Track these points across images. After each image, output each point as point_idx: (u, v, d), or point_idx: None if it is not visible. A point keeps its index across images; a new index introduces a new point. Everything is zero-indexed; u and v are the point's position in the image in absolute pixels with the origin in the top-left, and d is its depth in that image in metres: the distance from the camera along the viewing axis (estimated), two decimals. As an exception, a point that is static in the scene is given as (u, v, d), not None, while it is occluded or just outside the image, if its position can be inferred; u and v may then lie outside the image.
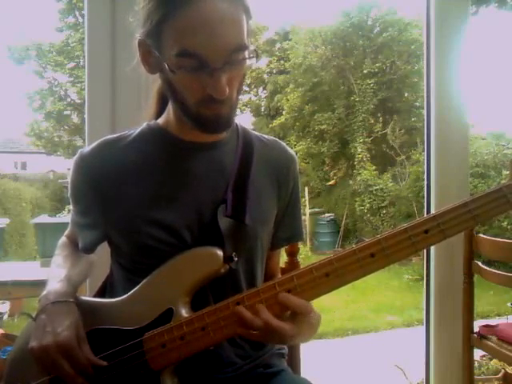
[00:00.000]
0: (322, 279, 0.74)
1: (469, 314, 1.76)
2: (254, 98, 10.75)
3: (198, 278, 0.81)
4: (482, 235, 1.74)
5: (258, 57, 0.79)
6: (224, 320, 0.75)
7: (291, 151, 1.00)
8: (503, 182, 0.72)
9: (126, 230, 0.86)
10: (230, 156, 0.91)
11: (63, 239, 1.02)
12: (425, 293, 1.93)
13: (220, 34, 0.73)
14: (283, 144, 1.00)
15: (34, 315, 0.81)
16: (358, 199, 7.91)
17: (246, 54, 0.78)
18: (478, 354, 2.32)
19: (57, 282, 0.84)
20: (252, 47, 0.78)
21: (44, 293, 0.82)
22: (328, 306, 4.45)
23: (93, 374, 0.76)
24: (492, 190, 0.72)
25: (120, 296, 0.85)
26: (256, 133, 0.99)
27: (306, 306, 0.75)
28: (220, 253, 0.81)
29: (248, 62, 0.78)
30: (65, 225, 1.03)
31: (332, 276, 0.74)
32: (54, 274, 0.88)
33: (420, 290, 4.34)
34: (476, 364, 2.48)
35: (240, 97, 0.83)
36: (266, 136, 1.00)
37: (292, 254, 1.18)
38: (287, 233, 1.00)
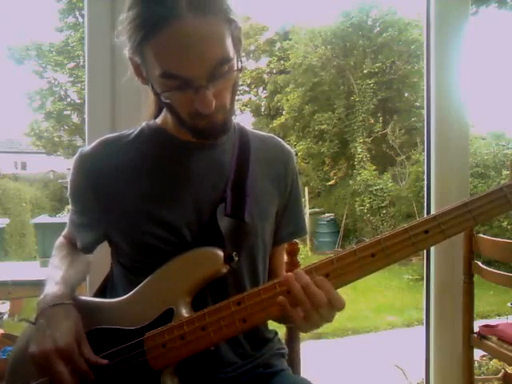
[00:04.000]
0: (322, 279, 0.74)
1: (469, 314, 1.76)
2: (253, 98, 10.74)
3: (198, 279, 0.81)
4: (481, 235, 1.74)
5: (241, 69, 0.79)
6: (224, 320, 0.75)
7: (288, 147, 1.00)
8: (503, 182, 0.72)
9: (126, 229, 0.86)
10: (228, 155, 0.91)
11: (60, 239, 1.02)
12: (425, 293, 1.93)
13: (199, 53, 0.72)
14: (280, 140, 1.00)
15: (33, 318, 0.81)
16: (357, 199, 7.91)
17: (233, 63, 0.77)
18: (478, 354, 2.32)
19: (54, 284, 0.84)
20: (237, 55, 0.78)
21: (42, 296, 0.82)
22: (328, 306, 4.42)
23: (93, 379, 0.76)
24: (492, 190, 0.72)
25: (120, 295, 0.85)
26: (253, 130, 0.99)
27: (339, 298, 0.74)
28: (220, 253, 0.81)
29: (234, 72, 0.78)
30: (65, 225, 1.02)
31: (332, 276, 0.74)
32: (52, 275, 0.87)
33: (420, 290, 4.34)
34: (476, 364, 2.48)
35: (240, 97, 0.83)
36: (263, 133, 1.00)
37: (292, 254, 1.18)
38: (289, 228, 1.00)
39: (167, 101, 0.79)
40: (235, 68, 0.78)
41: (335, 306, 0.73)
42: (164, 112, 0.91)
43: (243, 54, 0.80)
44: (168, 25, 0.70)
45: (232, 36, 0.77)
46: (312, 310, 0.72)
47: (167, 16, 0.70)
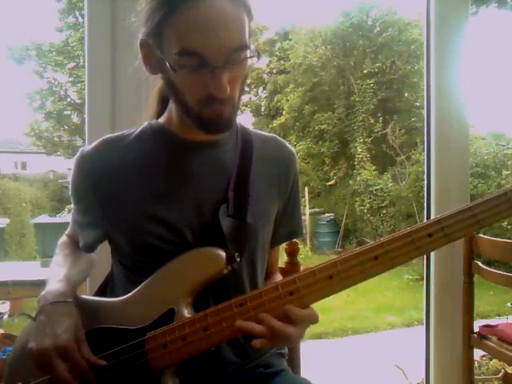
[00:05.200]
0: (325, 281, 0.74)
1: (469, 314, 1.76)
2: (254, 98, 10.75)
3: (200, 279, 0.81)
4: (482, 235, 1.74)
5: (258, 56, 0.79)
6: (226, 321, 0.75)
7: (290, 148, 1.00)
8: (503, 182, 0.71)
9: (127, 229, 0.86)
10: (231, 155, 0.91)
11: (64, 238, 1.02)
12: (425, 293, 1.93)
13: (221, 33, 0.73)
14: (282, 141, 1.00)
15: (33, 315, 0.81)
16: (357, 199, 7.91)
17: (248, 53, 0.78)
18: (478, 354, 2.32)
19: (56, 281, 0.84)
20: (253, 47, 0.78)
21: (43, 293, 0.82)
22: (328, 306, 4.44)
23: (92, 377, 0.76)
24: (496, 195, 0.72)
25: (121, 295, 0.85)
26: (255, 130, 0.99)
27: (312, 316, 0.76)
28: (223, 254, 0.81)
29: (249, 61, 0.78)
30: (65, 225, 1.03)
31: (335, 278, 0.74)
32: (54, 273, 0.87)
33: (420, 290, 4.34)
34: (476, 364, 2.48)
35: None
36: (265, 133, 1.00)
37: (292, 254, 1.18)
38: (287, 229, 1.00)
39: (178, 85, 0.78)
40: (249, 58, 0.78)
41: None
42: (167, 112, 0.91)
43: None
44: (193, 2, 0.71)
45: (249, 27, 0.78)
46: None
47: None
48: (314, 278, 0.74)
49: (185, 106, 0.80)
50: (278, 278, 1.02)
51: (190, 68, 0.75)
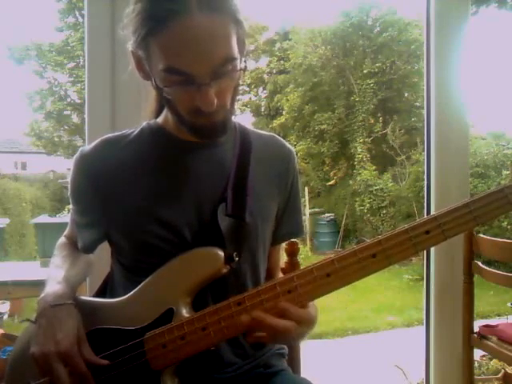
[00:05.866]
0: (323, 279, 0.74)
1: (469, 314, 1.76)
2: (253, 98, 10.74)
3: (199, 279, 0.81)
4: (481, 235, 1.74)
5: (245, 69, 0.79)
6: (225, 320, 0.75)
7: (289, 146, 1.00)
8: (503, 182, 0.72)
9: (126, 229, 0.86)
10: (229, 154, 0.91)
11: (62, 239, 1.02)
12: (425, 293, 1.93)
13: (204, 51, 0.72)
14: (281, 140, 1.00)
15: (33, 317, 0.81)
16: (357, 199, 7.91)
17: (237, 63, 0.77)
18: (478, 354, 2.32)
19: (55, 283, 0.84)
20: (239, 58, 0.77)
21: (42, 295, 0.82)
22: (328, 306, 4.44)
23: (92, 381, 0.76)
24: (493, 191, 0.72)
25: (121, 295, 0.85)
26: (254, 130, 0.99)
27: (306, 315, 0.76)
28: (221, 253, 0.81)
29: (237, 72, 0.78)
30: (65, 225, 1.03)
31: (333, 276, 0.74)
32: (53, 275, 0.87)
33: (420, 289, 4.34)
34: (476, 364, 2.48)
35: (240, 97, 0.83)
36: (264, 132, 1.00)
37: (292, 254, 1.18)
38: (287, 228, 1.00)
39: (168, 96, 0.78)
40: (238, 68, 0.78)
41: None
42: (165, 111, 0.91)
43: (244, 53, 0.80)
44: (176, 20, 0.70)
45: (237, 36, 0.77)
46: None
47: (176, 11, 0.70)
48: (312, 276, 0.74)
49: (178, 115, 0.81)
50: None
51: (176, 84, 0.75)
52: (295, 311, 0.74)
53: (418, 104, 8.68)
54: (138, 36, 0.75)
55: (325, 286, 0.74)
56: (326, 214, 8.11)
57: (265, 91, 10.57)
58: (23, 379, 0.81)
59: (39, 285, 0.86)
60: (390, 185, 7.75)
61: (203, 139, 0.84)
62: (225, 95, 0.78)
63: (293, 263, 1.18)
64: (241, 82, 0.84)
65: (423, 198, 2.03)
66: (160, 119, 0.92)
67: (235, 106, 0.85)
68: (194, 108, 0.77)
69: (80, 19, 8.19)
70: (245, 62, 0.79)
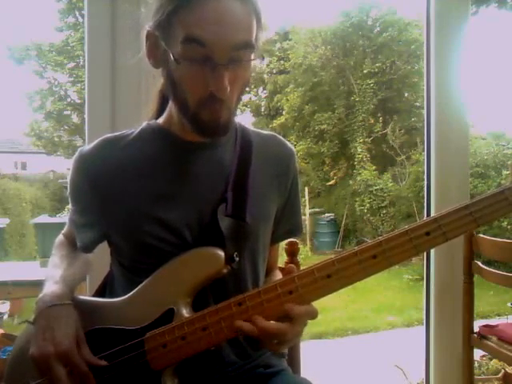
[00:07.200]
0: (323, 280, 0.74)
1: (469, 314, 1.76)
2: (254, 98, 10.75)
3: (199, 279, 0.81)
4: (481, 235, 1.74)
5: (262, 59, 0.80)
6: (225, 320, 0.75)
7: (290, 146, 1.00)
8: (503, 182, 0.72)
9: (126, 229, 0.86)
10: (230, 155, 0.90)
11: (60, 238, 1.01)
12: (425, 293, 1.93)
13: (228, 28, 0.73)
14: (282, 139, 1.00)
15: (32, 318, 0.81)
16: (357, 199, 7.91)
17: (252, 56, 0.78)
18: (478, 354, 2.32)
19: (53, 283, 0.84)
20: (258, 49, 0.78)
21: (40, 295, 0.82)
22: (328, 305, 4.44)
23: (92, 380, 0.76)
24: (494, 193, 0.72)
25: (120, 295, 0.85)
26: (254, 129, 0.99)
27: (311, 311, 0.76)
28: (221, 253, 0.81)
29: (252, 63, 0.79)
30: (64, 225, 1.02)
31: (334, 277, 0.74)
32: (51, 274, 0.87)
33: (420, 289, 4.34)
34: (476, 364, 2.48)
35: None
36: (265, 132, 1.00)
37: (292, 254, 1.18)
38: (286, 227, 1.00)
39: (178, 82, 0.78)
40: (252, 59, 0.79)
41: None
42: (166, 112, 0.90)
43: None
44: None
45: (256, 33, 0.78)
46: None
47: None
48: (313, 277, 0.74)
49: (183, 105, 0.80)
50: (278, 275, 1.02)
51: (193, 60, 0.75)
52: (298, 310, 0.74)
53: (418, 104, 8.68)
54: (162, 14, 0.76)
55: (325, 286, 0.74)
56: (326, 214, 8.12)
57: (265, 91, 10.57)
58: (23, 379, 0.81)
59: (39, 285, 0.86)
60: (390, 185, 7.75)
61: (204, 136, 0.84)
62: (235, 87, 0.78)
63: (293, 263, 1.17)
64: (248, 85, 0.84)
65: (423, 198, 2.03)
66: (161, 120, 0.92)
67: (237, 108, 0.85)
68: (205, 94, 0.76)
69: (80, 19, 8.20)
70: (262, 57, 0.80)
